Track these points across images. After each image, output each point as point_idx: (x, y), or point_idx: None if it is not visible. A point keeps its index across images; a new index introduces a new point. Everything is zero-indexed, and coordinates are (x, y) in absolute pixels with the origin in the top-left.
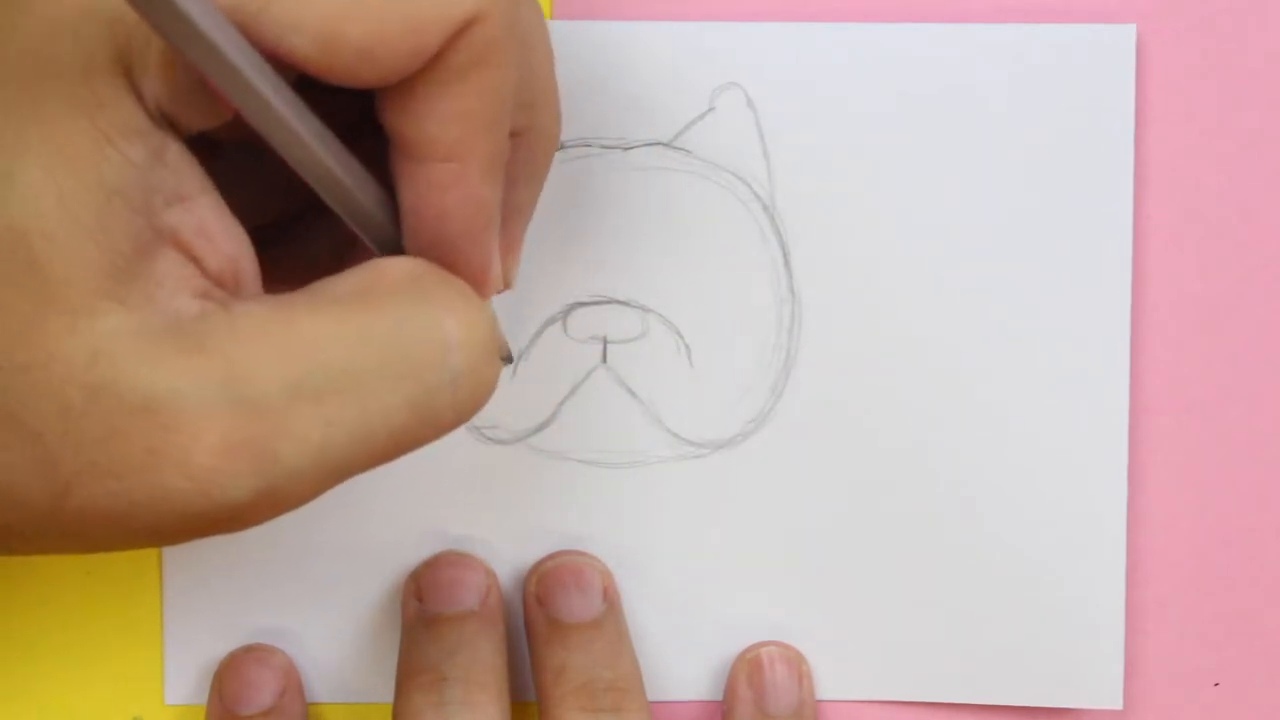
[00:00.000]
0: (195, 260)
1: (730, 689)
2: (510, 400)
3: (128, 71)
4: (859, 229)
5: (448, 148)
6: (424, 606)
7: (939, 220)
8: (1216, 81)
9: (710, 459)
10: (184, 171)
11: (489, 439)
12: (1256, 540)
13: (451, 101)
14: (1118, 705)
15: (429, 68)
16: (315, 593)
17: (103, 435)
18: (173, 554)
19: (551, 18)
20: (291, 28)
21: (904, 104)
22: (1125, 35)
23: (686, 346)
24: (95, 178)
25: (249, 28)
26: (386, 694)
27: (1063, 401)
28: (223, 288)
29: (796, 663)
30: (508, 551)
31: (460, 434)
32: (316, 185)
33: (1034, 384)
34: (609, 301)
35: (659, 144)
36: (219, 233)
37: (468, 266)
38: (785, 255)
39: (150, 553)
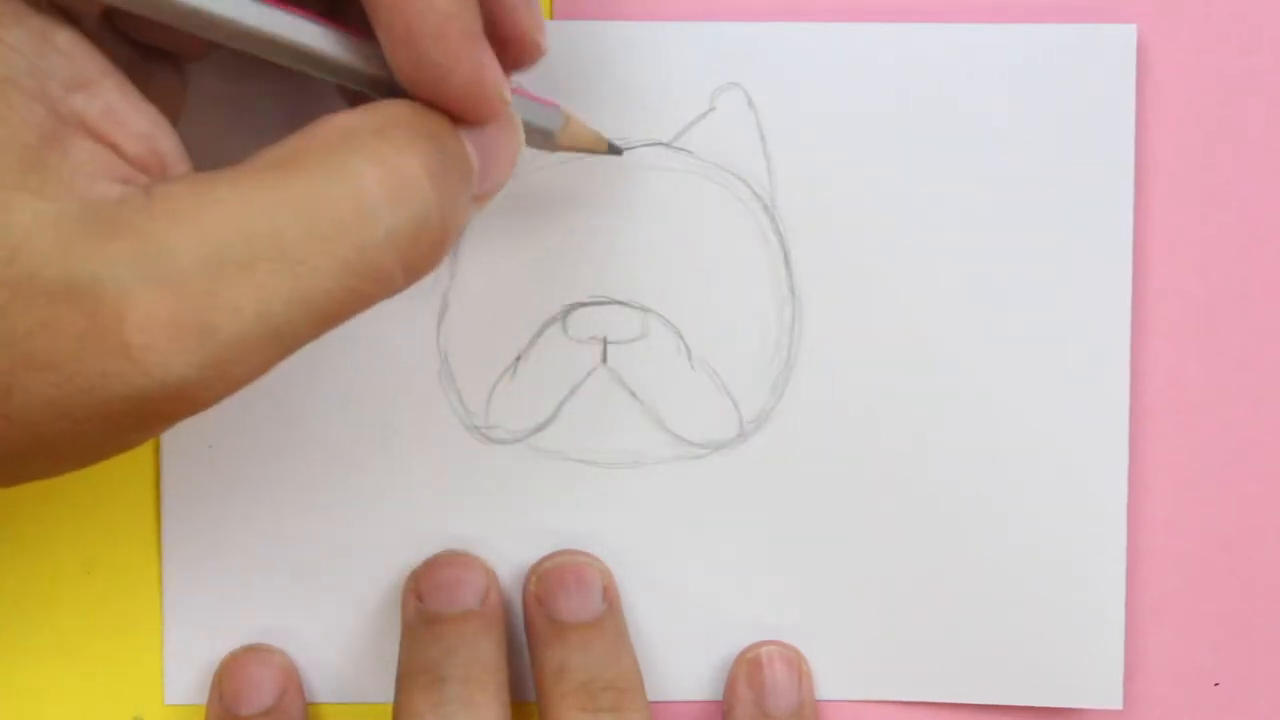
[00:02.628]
0: (112, 146)
1: (730, 689)
2: (510, 400)
3: None
4: (859, 229)
5: None
6: (424, 606)
7: (939, 220)
8: (1217, 81)
9: (710, 459)
10: (80, 57)
11: (489, 439)
12: (1256, 540)
13: None
14: (1118, 705)
15: None
16: (315, 593)
17: (32, 328)
18: (172, 554)
19: (551, 18)
20: None
21: (904, 104)
22: (1125, 35)
23: (686, 347)
24: None
25: None
26: (386, 694)
27: (1063, 401)
28: (146, 172)
29: (796, 662)
30: (508, 551)
31: (460, 434)
32: (250, 49)
33: (1034, 384)
34: (609, 302)
35: (659, 144)
36: (129, 114)
37: (459, 81)
38: (785, 255)
39: (150, 552)
